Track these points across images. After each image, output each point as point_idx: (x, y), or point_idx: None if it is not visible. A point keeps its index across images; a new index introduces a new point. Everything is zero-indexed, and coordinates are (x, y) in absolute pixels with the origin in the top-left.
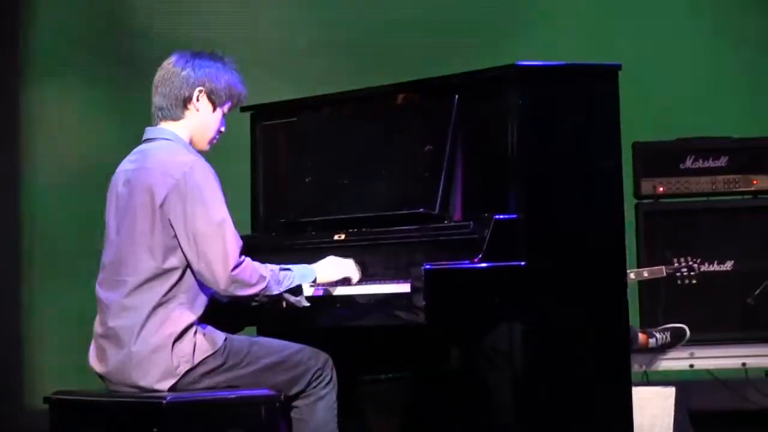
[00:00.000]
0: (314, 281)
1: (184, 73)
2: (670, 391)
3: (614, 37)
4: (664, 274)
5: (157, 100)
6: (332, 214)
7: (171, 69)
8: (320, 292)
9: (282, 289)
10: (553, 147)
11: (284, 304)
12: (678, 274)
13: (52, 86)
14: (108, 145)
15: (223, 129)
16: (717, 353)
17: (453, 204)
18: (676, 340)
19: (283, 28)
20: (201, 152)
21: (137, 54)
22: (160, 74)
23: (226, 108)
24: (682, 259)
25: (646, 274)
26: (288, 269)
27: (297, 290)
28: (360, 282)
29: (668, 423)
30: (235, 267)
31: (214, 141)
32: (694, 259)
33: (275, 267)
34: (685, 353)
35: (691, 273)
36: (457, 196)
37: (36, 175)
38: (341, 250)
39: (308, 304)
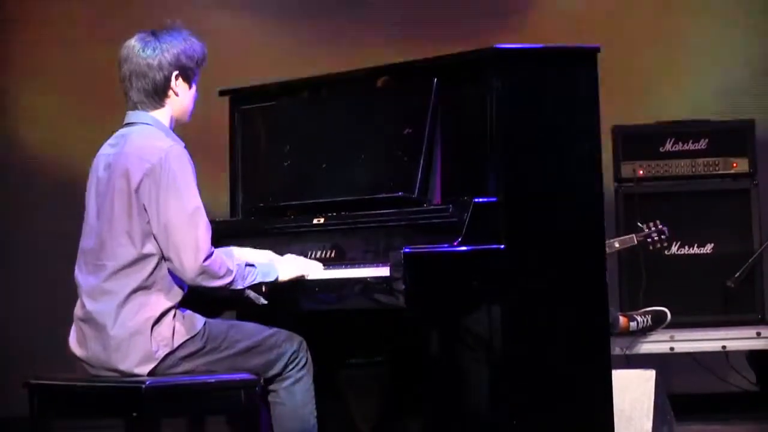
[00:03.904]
0: (276, 280)
1: (155, 61)
2: (651, 374)
3: (594, 18)
4: (635, 242)
5: (134, 95)
6: (311, 198)
7: (140, 59)
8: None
9: (245, 285)
10: (532, 130)
11: (245, 293)
12: (649, 239)
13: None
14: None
15: (196, 95)
16: (697, 336)
17: (432, 187)
18: (657, 323)
19: None
20: (183, 124)
21: None
22: (130, 66)
23: (197, 78)
24: (651, 224)
25: (617, 245)
26: (252, 266)
27: (257, 287)
28: (340, 266)
29: (648, 405)
30: (206, 258)
31: (193, 110)
32: (663, 223)
33: (241, 262)
34: (666, 336)
35: (662, 236)
36: (436, 179)
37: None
38: (320, 234)
39: (266, 302)
